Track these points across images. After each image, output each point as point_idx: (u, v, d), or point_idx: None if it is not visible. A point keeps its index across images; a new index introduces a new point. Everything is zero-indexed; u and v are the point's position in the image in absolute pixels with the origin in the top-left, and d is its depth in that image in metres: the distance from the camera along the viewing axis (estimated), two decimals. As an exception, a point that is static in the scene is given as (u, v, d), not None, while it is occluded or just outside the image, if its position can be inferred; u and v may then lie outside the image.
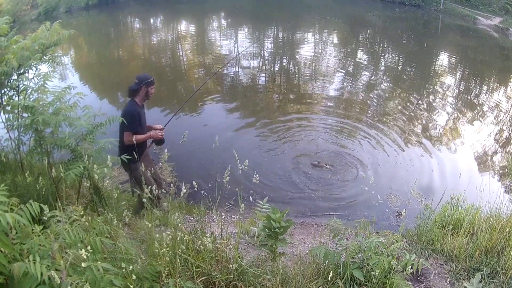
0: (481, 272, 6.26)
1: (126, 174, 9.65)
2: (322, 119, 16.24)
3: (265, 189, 10.71)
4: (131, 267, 4.21)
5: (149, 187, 5.07)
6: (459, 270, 6.48)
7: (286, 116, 16.44)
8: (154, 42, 28.57)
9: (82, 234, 4.11)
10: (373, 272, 5.10)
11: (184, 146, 11.52)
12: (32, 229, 3.95)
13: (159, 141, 8.14)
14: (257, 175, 5.11)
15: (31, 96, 6.49)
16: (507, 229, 6.75)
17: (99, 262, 3.81)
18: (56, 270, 3.55)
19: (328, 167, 12.53)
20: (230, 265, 4.86)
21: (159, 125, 8.39)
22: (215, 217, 6.15)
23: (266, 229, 5.28)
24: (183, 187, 5.06)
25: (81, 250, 3.69)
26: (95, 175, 5.29)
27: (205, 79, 19.52)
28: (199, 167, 11.21)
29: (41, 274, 3.41)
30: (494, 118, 18.03)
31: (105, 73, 20.91)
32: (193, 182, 5.15)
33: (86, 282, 3.56)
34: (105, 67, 21.87)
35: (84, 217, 4.41)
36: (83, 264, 3.69)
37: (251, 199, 5.54)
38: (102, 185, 6.45)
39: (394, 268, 5.21)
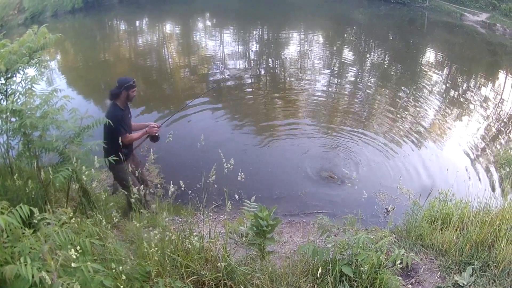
0: (472, 266, 6.50)
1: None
2: (309, 118, 16.65)
3: (253, 189, 10.84)
4: (120, 267, 4.35)
5: (136, 187, 5.27)
6: (449, 264, 6.69)
7: (273, 115, 16.82)
8: (140, 44, 28.82)
9: (71, 235, 4.28)
10: (362, 268, 5.27)
11: (171, 147, 11.72)
12: (23, 232, 4.14)
13: (154, 137, 8.33)
14: (242, 173, 5.30)
15: (18, 100, 6.65)
16: (497, 223, 6.93)
17: (89, 263, 3.98)
18: (47, 271, 3.69)
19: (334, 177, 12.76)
20: (219, 264, 5.04)
21: (156, 123, 8.61)
22: (203, 217, 6.33)
23: (254, 228, 5.48)
24: (171, 187, 5.22)
25: (70, 250, 3.84)
26: (83, 177, 5.45)
27: (191, 79, 19.97)
28: (187, 168, 11.37)
29: (33, 276, 3.58)
30: (482, 114, 18.62)
31: (92, 76, 21.07)
32: (180, 182, 5.33)
33: (76, 283, 3.71)
34: (92, 70, 22.02)
35: (73, 219, 4.59)
36: (73, 264, 3.84)
37: (237, 197, 5.73)
38: (90, 187, 6.59)
39: (383, 263, 5.40)
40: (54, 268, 3.80)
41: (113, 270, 4.36)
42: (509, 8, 37.46)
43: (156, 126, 8.40)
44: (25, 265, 3.65)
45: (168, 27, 34.32)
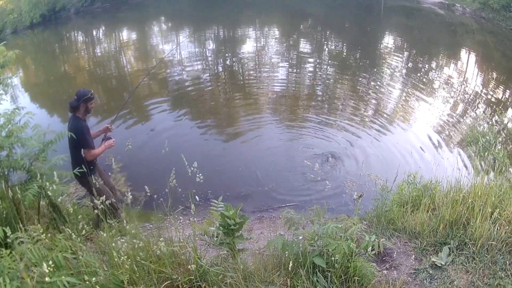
0: (449, 246, 7.07)
1: (83, 189, 10.40)
2: (271, 113, 17.36)
3: (221, 188, 11.36)
4: (94, 279, 4.75)
5: (102, 197, 5.72)
6: (424, 246, 7.27)
7: (234, 112, 17.54)
8: (99, 53, 29.58)
9: (44, 252, 4.73)
10: (334, 258, 5.77)
11: (135, 154, 12.35)
12: (0, 253, 4.65)
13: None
14: (201, 175, 5.80)
15: (-17, 122, 7.01)
16: (470, 200, 7.49)
17: (64, 277, 4.43)
18: None
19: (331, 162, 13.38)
20: (190, 266, 5.53)
21: (106, 125, 9.21)
22: (173, 221, 6.77)
23: (222, 227, 6.01)
24: (129, 195, 5.67)
25: (43, 266, 4.25)
26: (49, 192, 5.92)
27: (150, 84, 20.92)
28: (153, 174, 11.80)
29: None
30: (446, 94, 19.98)
31: (53, 90, 21.38)
32: (146, 188, 5.87)
33: None
34: (53, 83, 22.29)
35: (44, 234, 5.02)
36: (47, 279, 4.25)
37: (197, 198, 6.16)
38: (59, 202, 6.99)
39: (355, 251, 5.91)
40: (31, 285, 4.22)
41: (87, 282, 4.74)
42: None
43: (107, 128, 9.04)
44: (5, 285, 4.06)
45: (125, 34, 35.08)
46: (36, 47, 31.97)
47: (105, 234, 5.75)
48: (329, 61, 25.96)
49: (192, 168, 5.74)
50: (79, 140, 7.83)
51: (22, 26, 34.30)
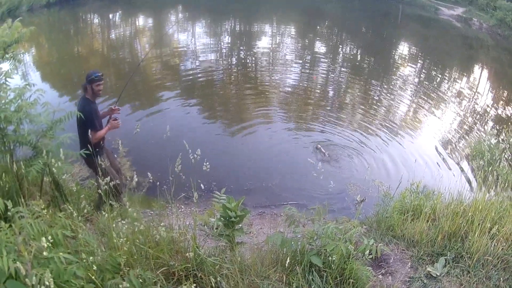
0: (445, 257, 7.08)
1: (87, 170, 10.43)
2: (280, 111, 17.48)
3: (225, 180, 11.49)
4: (91, 258, 4.78)
5: (106, 178, 5.67)
6: (421, 255, 7.28)
7: (244, 107, 17.69)
8: (113, 37, 29.94)
9: (44, 227, 4.75)
10: (331, 258, 5.79)
11: (142, 140, 12.50)
12: None
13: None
14: (208, 163, 5.74)
15: (-8, 95, 7.06)
16: (470, 214, 7.51)
17: (61, 254, 4.43)
18: (22, 263, 4.10)
19: (326, 154, 13.54)
20: (188, 254, 5.53)
21: (111, 106, 9.25)
22: (174, 209, 6.79)
23: (223, 219, 6.04)
24: (134, 178, 5.67)
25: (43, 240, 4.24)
26: (54, 169, 5.93)
27: (163, 72, 21.41)
28: (159, 161, 11.64)
29: (8, 268, 4.02)
30: (456, 106, 20.06)
31: (66, 69, 21.54)
32: (149, 174, 5.87)
33: (48, 271, 4.08)
34: (66, 63, 22.47)
35: (45, 211, 5.06)
36: (44, 253, 4.27)
37: (202, 187, 6.18)
38: (62, 181, 7.00)
39: (353, 253, 5.92)
40: (28, 259, 4.19)
41: (84, 261, 4.76)
42: (486, 2, 38.82)
43: (115, 110, 9.07)
44: (1, 257, 4.04)
45: (141, 20, 35.53)
46: (51, 26, 32.24)
47: (106, 215, 5.72)
48: (343, 63, 26.16)
49: (195, 155, 5.71)
50: (85, 121, 7.84)
51: (38, 4, 34.51)
